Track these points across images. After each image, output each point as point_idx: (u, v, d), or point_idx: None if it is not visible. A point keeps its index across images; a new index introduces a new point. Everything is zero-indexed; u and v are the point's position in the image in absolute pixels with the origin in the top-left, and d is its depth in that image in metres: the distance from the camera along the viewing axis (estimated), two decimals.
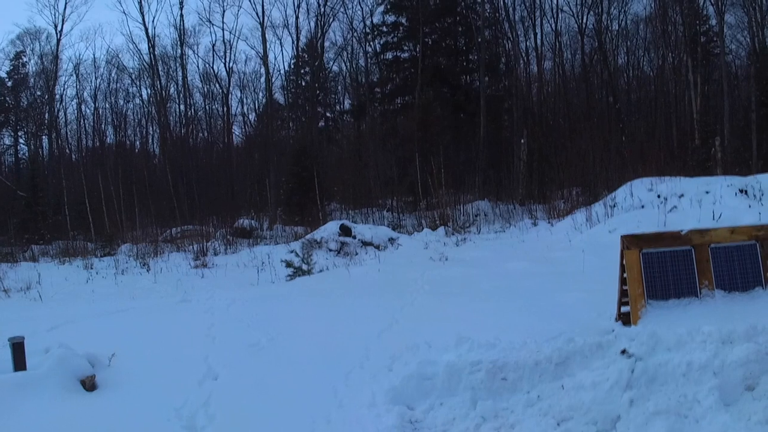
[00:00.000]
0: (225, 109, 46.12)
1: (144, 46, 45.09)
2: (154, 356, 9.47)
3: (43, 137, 43.40)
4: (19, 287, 18.43)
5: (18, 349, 8.93)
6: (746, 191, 19.82)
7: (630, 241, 9.24)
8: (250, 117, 48.84)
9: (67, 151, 45.31)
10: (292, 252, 17.82)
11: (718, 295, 8.97)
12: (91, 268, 21.55)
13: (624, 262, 9.20)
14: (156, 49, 43.26)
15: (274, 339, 10.03)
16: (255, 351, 9.56)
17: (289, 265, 16.72)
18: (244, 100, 52.41)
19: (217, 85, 45.75)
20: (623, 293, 9.47)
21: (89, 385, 8.51)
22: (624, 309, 9.34)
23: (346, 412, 7.06)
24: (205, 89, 46.68)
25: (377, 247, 21.18)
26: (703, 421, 6.06)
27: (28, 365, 8.97)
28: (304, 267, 16.50)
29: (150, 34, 43.07)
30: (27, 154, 43.51)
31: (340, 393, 7.62)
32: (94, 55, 60.90)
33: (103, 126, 46.13)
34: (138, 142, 47.88)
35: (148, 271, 20.56)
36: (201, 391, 8.20)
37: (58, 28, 42.59)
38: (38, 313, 13.45)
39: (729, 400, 6.25)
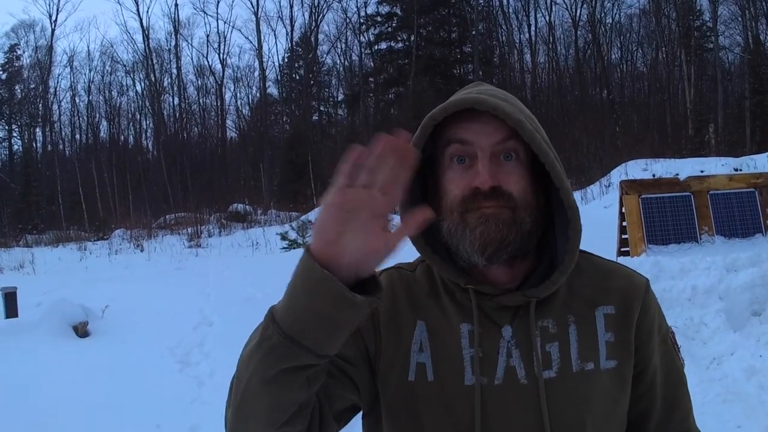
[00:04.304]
0: (219, 102, 46.04)
1: (138, 37, 44.89)
2: (148, 310, 9.35)
3: (37, 129, 43.24)
4: (13, 266, 18.25)
5: (10, 298, 8.82)
6: (741, 170, 19.78)
7: (629, 187, 9.17)
8: (244, 111, 48.72)
9: (61, 143, 45.15)
10: (287, 231, 17.68)
11: (718, 241, 8.90)
12: (85, 250, 21.38)
13: (623, 208, 9.13)
14: (150, 41, 43.21)
15: (270, 295, 9.81)
16: (250, 304, 9.43)
17: (284, 238, 16.58)
18: (238, 94, 52.26)
19: (211, 78, 45.69)
20: (622, 242, 9.39)
21: (81, 331, 8.37)
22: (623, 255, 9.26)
23: None
24: (199, 83, 46.61)
25: None
26: (711, 342, 5.98)
27: (21, 316, 8.85)
28: (300, 240, 16.35)
29: (144, 25, 43.03)
30: (21, 147, 43.23)
31: None
32: (88, 47, 60.59)
33: (96, 119, 45.98)
34: (132, 136, 47.77)
35: (141, 251, 20.41)
36: (196, 334, 8.11)
37: (53, 18, 42.49)
38: (32, 283, 13.28)
39: (736, 325, 6.17)
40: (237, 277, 11.71)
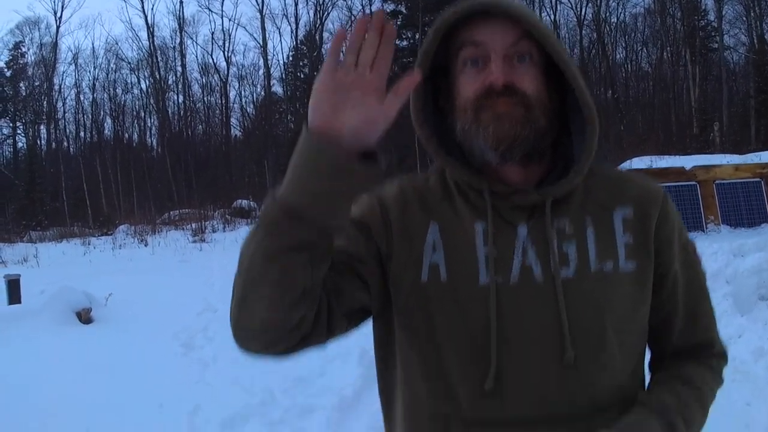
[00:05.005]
0: (223, 100, 46.00)
1: (143, 34, 45.00)
2: (151, 298, 9.35)
3: (41, 126, 43.26)
4: (17, 260, 18.25)
5: (13, 285, 8.81)
6: None
7: None
8: (248, 109, 48.69)
9: (65, 141, 45.18)
10: None
11: (724, 230, 8.88)
12: (89, 245, 21.39)
13: None
14: (155, 38, 43.22)
15: None
16: None
17: None
18: (242, 92, 52.32)
19: (216, 76, 45.67)
20: None
21: (85, 317, 8.34)
22: None
23: None
24: (204, 80, 46.60)
25: None
26: (718, 325, 5.93)
27: (24, 302, 8.84)
28: None
29: (149, 22, 43.11)
30: (25, 144, 43.35)
31: None
32: (92, 44, 60.28)
33: (101, 117, 45.97)
34: (136, 134, 47.75)
35: (146, 245, 20.40)
36: (200, 320, 8.10)
37: (58, 15, 42.47)
38: (36, 275, 13.28)
39: (743, 309, 6.13)
40: None
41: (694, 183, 9.02)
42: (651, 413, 1.14)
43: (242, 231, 21.67)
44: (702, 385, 1.23)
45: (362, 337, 5.42)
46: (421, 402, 1.18)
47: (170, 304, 8.89)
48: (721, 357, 1.30)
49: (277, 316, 1.05)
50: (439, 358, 1.16)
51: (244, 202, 27.61)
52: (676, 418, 1.14)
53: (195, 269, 12.30)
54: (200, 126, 47.54)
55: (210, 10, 48.22)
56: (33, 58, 43.70)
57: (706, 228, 8.80)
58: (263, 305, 1.04)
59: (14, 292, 8.73)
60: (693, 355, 1.27)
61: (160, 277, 11.55)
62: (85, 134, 46.23)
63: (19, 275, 9.05)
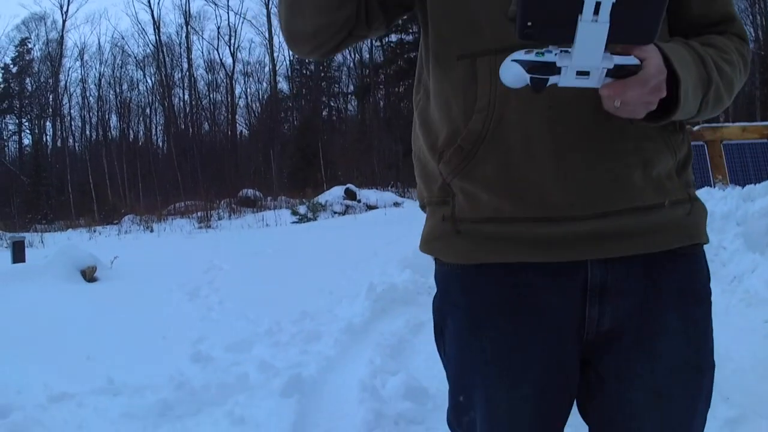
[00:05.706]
0: (230, 98, 46.02)
1: (149, 29, 45.13)
2: (157, 262, 9.31)
3: (47, 122, 43.29)
4: None
5: (18, 246, 8.79)
6: None
7: None
8: (254, 106, 48.66)
9: (71, 138, 45.24)
10: (298, 209, 17.71)
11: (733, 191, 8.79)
12: (95, 231, 21.38)
13: None
14: (162, 35, 43.33)
15: (279, 251, 9.86)
16: (259, 257, 9.38)
17: (294, 213, 16.56)
18: (248, 90, 52.26)
19: (221, 72, 45.65)
20: None
21: (89, 276, 8.29)
22: None
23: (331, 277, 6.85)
24: (209, 77, 46.61)
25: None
26: (730, 264, 5.88)
27: (28, 261, 8.81)
28: (310, 215, 16.35)
29: (155, 17, 43.19)
30: (31, 140, 43.33)
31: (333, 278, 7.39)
32: (98, 40, 59.92)
33: (107, 116, 46.02)
34: (142, 131, 47.76)
35: (151, 231, 20.36)
36: (206, 275, 8.06)
37: (64, 10, 42.66)
38: (41, 253, 13.26)
39: (755, 249, 6.06)
40: (248, 238, 11.78)
41: (701, 143, 8.94)
42: (680, 42, 1.11)
43: (248, 218, 21.65)
44: (728, 50, 1.17)
45: (369, 274, 5.37)
46: (447, 44, 1.20)
47: (176, 266, 8.84)
48: (743, 39, 1.24)
49: (327, 19, 1.18)
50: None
51: (250, 192, 27.62)
52: (704, 54, 1.10)
53: (202, 241, 12.29)
54: (206, 123, 47.56)
55: (215, 4, 48.27)
56: (39, 54, 43.85)
57: (715, 188, 8.73)
58: (314, 10, 1.17)
59: (19, 253, 8.71)
60: (715, 30, 1.22)
61: (165, 246, 11.59)
62: (90, 131, 46.32)
63: (24, 237, 9.02)
